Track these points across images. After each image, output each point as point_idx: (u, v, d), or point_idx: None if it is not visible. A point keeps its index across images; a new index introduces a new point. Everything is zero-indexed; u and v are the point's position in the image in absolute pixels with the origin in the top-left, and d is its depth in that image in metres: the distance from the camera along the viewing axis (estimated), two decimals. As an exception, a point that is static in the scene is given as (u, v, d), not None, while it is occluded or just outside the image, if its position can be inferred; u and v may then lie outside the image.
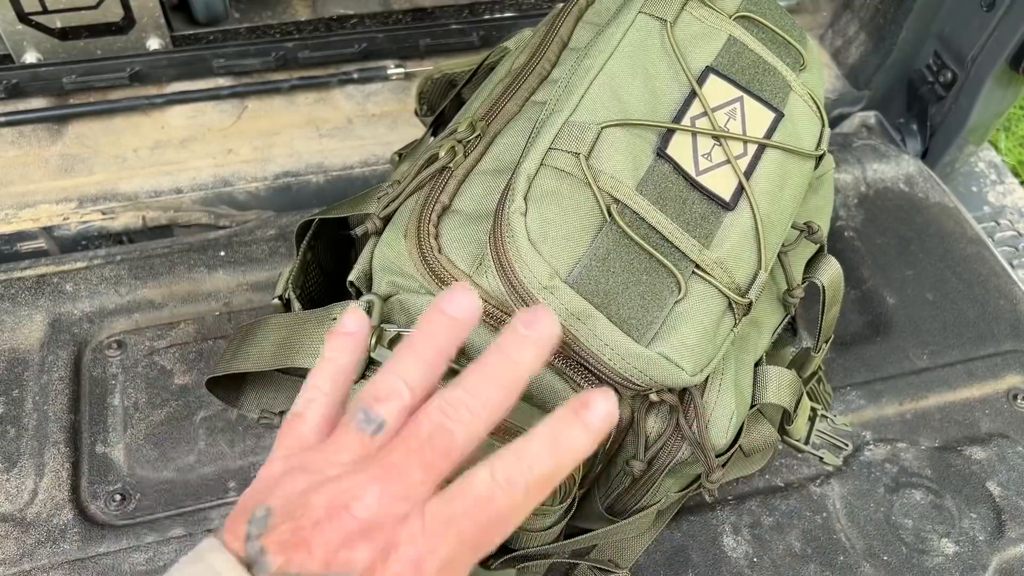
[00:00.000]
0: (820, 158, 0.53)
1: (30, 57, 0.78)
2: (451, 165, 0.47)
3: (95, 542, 0.57)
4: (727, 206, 0.46)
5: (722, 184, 0.47)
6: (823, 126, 0.53)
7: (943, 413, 0.68)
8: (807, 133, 0.52)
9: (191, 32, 0.82)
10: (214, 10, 0.82)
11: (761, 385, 0.52)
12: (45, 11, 0.74)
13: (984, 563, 0.60)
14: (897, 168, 0.85)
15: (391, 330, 0.44)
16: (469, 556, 0.32)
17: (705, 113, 0.48)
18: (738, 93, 0.49)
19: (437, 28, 0.87)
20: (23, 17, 0.74)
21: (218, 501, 0.60)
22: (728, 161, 0.47)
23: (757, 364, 0.53)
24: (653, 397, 0.44)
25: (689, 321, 0.43)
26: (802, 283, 0.55)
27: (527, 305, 0.41)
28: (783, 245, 0.52)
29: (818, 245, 0.56)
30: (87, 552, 0.57)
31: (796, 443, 0.59)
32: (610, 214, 0.43)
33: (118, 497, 0.60)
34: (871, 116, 0.93)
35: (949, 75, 0.85)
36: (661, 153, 0.46)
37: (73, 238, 0.78)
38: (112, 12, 0.76)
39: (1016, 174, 1.11)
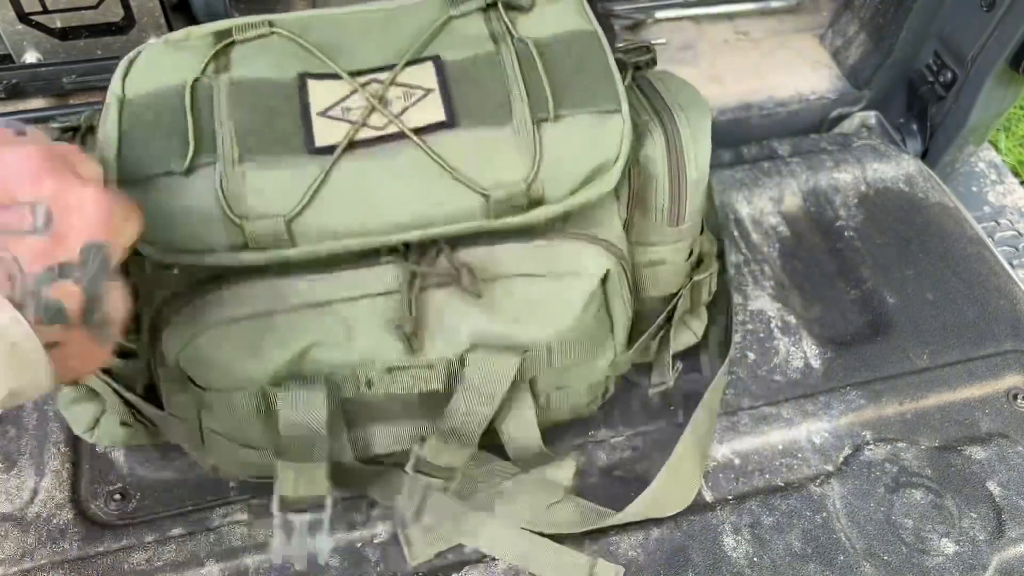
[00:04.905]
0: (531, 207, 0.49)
1: (30, 57, 0.77)
2: None
3: (95, 542, 0.57)
4: (312, 149, 0.47)
5: (326, 133, 0.47)
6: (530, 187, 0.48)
7: (943, 413, 0.68)
8: (485, 170, 0.48)
9: (191, 32, 0.82)
10: (214, 9, 0.82)
11: None
12: (45, 11, 0.74)
13: (984, 563, 0.60)
14: (897, 168, 0.85)
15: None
16: None
17: (391, 82, 0.49)
18: (434, 87, 0.49)
19: (437, 28, 0.87)
20: (23, 17, 0.74)
21: (218, 501, 0.60)
22: (356, 123, 0.47)
23: None
24: None
25: None
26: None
27: None
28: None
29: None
30: (87, 552, 0.57)
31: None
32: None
33: (118, 497, 0.60)
34: (871, 116, 0.93)
35: (949, 75, 0.85)
36: (303, 76, 0.48)
37: (73, 238, 0.77)
38: (112, 12, 0.76)
39: (1016, 174, 1.11)
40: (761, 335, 0.72)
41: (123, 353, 0.53)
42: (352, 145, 0.47)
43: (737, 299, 0.74)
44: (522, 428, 0.55)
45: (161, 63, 0.50)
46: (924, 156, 0.90)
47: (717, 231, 0.66)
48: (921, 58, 0.88)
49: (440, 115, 0.48)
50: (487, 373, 0.50)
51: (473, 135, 0.48)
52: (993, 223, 0.94)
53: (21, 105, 0.81)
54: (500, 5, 0.52)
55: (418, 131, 0.47)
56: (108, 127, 0.47)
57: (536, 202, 0.48)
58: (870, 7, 0.90)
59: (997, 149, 1.13)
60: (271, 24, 0.51)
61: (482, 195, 0.47)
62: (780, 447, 0.65)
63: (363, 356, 0.50)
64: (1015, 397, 0.69)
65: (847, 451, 0.65)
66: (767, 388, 0.68)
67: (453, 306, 0.50)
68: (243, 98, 0.48)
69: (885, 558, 0.60)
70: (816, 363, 0.70)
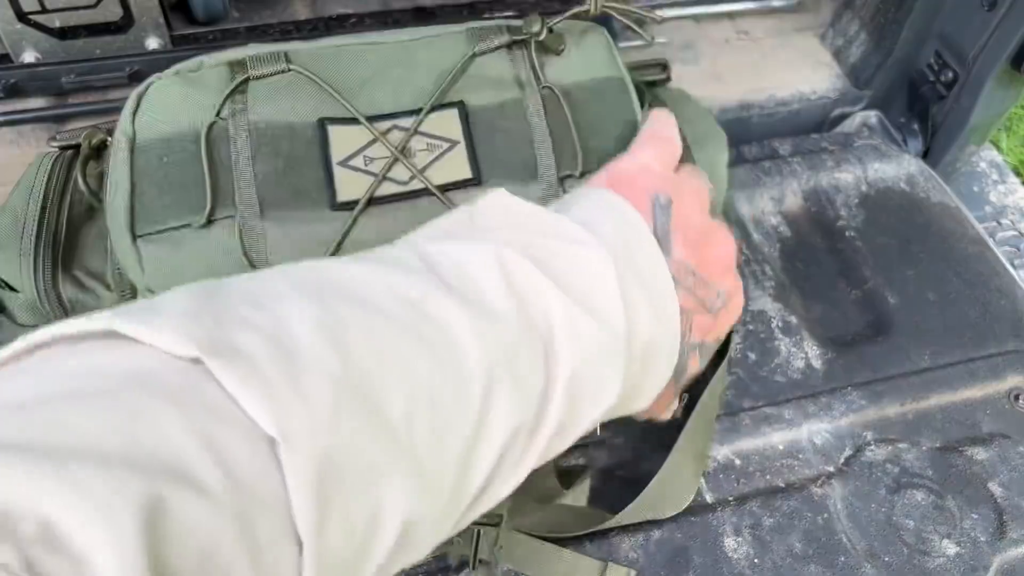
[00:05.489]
0: None
1: (29, 56, 0.77)
2: None
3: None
4: (334, 205, 0.45)
5: (348, 186, 0.45)
6: None
7: (944, 413, 0.67)
8: None
9: (190, 31, 0.82)
10: (213, 9, 0.81)
11: None
12: (44, 10, 0.74)
13: (985, 564, 0.60)
14: (898, 168, 0.85)
15: None
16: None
17: (414, 131, 0.47)
18: (459, 139, 0.48)
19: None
20: (22, 16, 0.74)
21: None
22: (377, 176, 0.46)
23: None
24: None
25: None
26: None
27: None
28: None
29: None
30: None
31: None
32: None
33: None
34: (872, 116, 0.93)
35: (950, 75, 0.85)
36: (323, 122, 0.46)
37: (72, 238, 0.77)
38: (111, 11, 0.76)
39: (1017, 174, 1.10)
40: (762, 335, 0.72)
41: None
42: (373, 200, 0.45)
43: (738, 299, 0.74)
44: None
45: (173, 100, 0.47)
46: (925, 156, 0.90)
47: None
48: (922, 58, 0.88)
49: (466, 172, 0.46)
50: None
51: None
52: (994, 223, 0.94)
53: (20, 104, 0.81)
54: (530, 46, 0.50)
55: (443, 188, 0.46)
56: (119, 171, 0.45)
57: None
58: (871, 6, 0.90)
59: (998, 149, 1.13)
60: (287, 58, 0.48)
61: None
62: (781, 448, 0.65)
63: None
64: (1016, 398, 0.68)
65: (848, 452, 0.65)
66: (768, 388, 0.68)
67: None
68: (263, 145, 0.45)
69: (886, 559, 0.59)
70: (817, 363, 0.70)
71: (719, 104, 0.89)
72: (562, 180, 0.47)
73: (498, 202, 0.39)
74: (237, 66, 0.48)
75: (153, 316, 0.26)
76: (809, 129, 0.93)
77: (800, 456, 0.64)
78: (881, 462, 0.64)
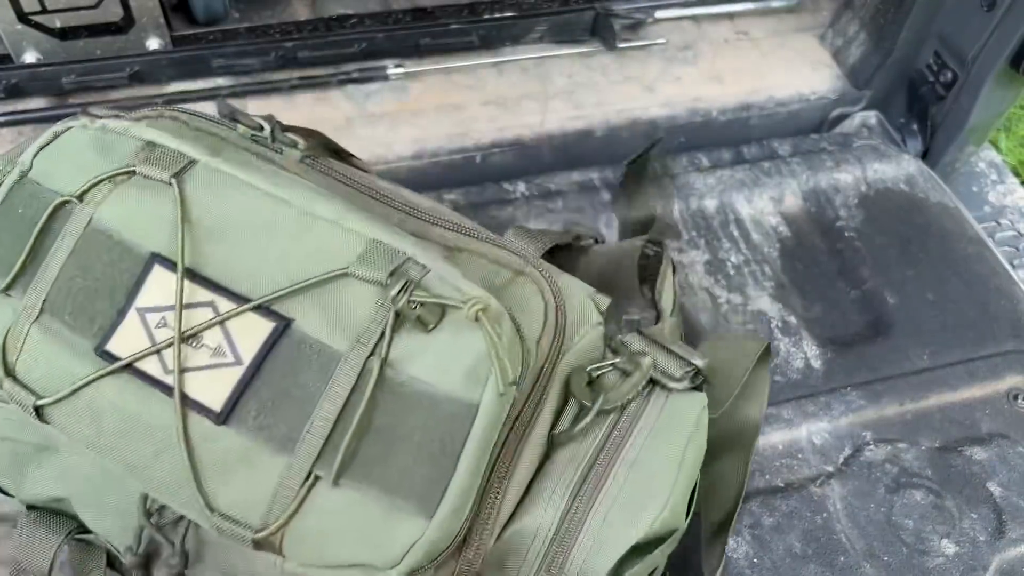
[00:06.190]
0: None
1: (29, 57, 0.77)
2: None
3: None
4: (98, 348, 0.41)
5: (125, 338, 0.41)
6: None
7: (943, 413, 0.68)
8: None
9: (191, 32, 0.82)
10: (214, 10, 0.82)
11: None
12: (44, 11, 0.74)
13: (984, 564, 0.60)
14: (898, 168, 0.85)
15: None
16: None
17: (219, 321, 0.41)
18: (247, 362, 0.40)
19: (437, 28, 0.87)
20: (23, 17, 0.74)
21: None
22: (149, 347, 0.41)
23: None
24: None
25: None
26: None
27: None
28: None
29: None
30: (86, 553, 0.57)
31: None
32: None
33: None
34: (871, 116, 0.93)
35: (949, 75, 0.85)
36: (154, 258, 0.42)
37: (72, 238, 0.77)
38: (112, 12, 0.76)
39: (1016, 174, 1.11)
40: (761, 335, 0.72)
41: None
42: (130, 367, 0.41)
43: (737, 299, 0.74)
44: None
45: (73, 155, 0.45)
46: (924, 156, 0.90)
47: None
48: (921, 58, 0.88)
49: (217, 404, 0.40)
50: None
51: (235, 444, 0.40)
52: (993, 223, 0.94)
53: (20, 105, 0.81)
54: (394, 311, 0.39)
55: (190, 403, 0.40)
56: None
57: (268, 548, 0.40)
58: (870, 7, 0.90)
59: (998, 149, 1.13)
60: (184, 168, 0.43)
61: (207, 511, 0.40)
62: (780, 447, 0.65)
63: (107, 535, 0.47)
64: (1015, 397, 0.69)
65: (847, 452, 0.65)
66: (767, 388, 0.68)
67: None
68: (86, 250, 0.42)
69: (885, 559, 0.60)
70: (816, 363, 0.70)
71: (718, 104, 0.89)
72: (313, 477, 0.39)
73: None
74: (148, 148, 0.44)
75: None
76: (808, 129, 0.93)
77: (799, 456, 0.65)
78: (880, 462, 0.64)
